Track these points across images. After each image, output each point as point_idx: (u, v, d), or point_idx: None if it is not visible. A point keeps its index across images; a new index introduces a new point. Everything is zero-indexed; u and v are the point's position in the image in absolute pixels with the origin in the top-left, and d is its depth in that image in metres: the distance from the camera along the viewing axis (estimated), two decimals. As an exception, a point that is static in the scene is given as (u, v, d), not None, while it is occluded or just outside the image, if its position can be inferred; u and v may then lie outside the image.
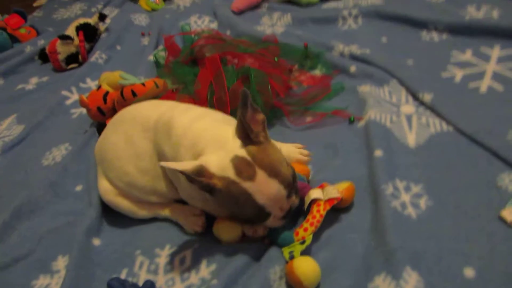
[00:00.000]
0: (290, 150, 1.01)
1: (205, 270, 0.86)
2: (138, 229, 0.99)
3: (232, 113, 1.13)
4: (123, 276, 0.88)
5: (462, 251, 0.77)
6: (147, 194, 0.98)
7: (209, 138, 0.82)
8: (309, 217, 0.83)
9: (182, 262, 0.88)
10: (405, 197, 0.89)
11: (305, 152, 1.01)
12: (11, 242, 1.02)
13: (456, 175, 0.92)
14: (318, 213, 0.83)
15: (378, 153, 0.97)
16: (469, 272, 0.73)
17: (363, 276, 0.76)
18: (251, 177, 0.75)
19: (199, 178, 0.74)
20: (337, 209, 0.87)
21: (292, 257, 0.78)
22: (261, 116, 0.80)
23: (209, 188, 0.76)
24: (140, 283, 0.83)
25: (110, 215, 1.04)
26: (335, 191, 0.84)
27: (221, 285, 0.78)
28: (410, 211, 0.86)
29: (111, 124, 1.06)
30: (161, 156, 0.92)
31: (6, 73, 1.90)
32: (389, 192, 0.88)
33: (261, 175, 0.75)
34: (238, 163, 0.76)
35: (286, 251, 0.80)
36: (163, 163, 0.75)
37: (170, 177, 0.94)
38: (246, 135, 0.78)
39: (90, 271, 0.90)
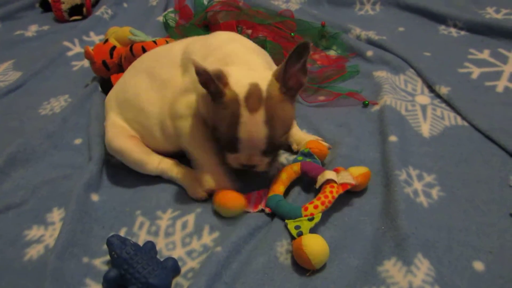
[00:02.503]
0: (307, 136, 0.99)
1: (207, 237, 0.83)
2: (139, 189, 0.96)
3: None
4: (122, 234, 0.85)
5: (472, 244, 0.76)
6: (157, 138, 0.95)
7: (244, 58, 0.84)
8: (321, 195, 0.81)
9: (184, 227, 0.86)
10: (418, 185, 0.87)
11: (324, 143, 0.98)
12: (3, 189, 0.98)
13: (469, 169, 0.91)
14: (330, 194, 0.80)
15: (393, 138, 0.95)
16: (478, 266, 0.72)
17: (371, 258, 0.75)
18: (252, 109, 0.74)
19: (216, 80, 0.74)
20: (349, 192, 0.85)
21: (300, 234, 0.76)
22: (304, 80, 0.79)
23: (217, 93, 0.76)
24: (140, 244, 0.80)
25: (110, 172, 1.00)
26: (350, 177, 0.82)
27: (226, 252, 0.75)
28: (422, 199, 0.85)
29: (131, 69, 1.04)
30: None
31: (3, 17, 1.83)
32: (402, 178, 0.86)
33: (260, 115, 0.74)
34: (253, 91, 0.75)
35: (291, 224, 0.78)
36: (194, 59, 0.73)
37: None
38: (281, 80, 0.77)
39: (87, 226, 0.86)
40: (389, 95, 1.10)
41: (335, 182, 0.82)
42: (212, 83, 0.75)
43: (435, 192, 0.86)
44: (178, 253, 0.81)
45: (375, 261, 0.74)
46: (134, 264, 0.73)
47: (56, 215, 0.91)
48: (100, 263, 0.81)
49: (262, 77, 0.78)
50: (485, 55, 1.27)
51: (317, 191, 0.84)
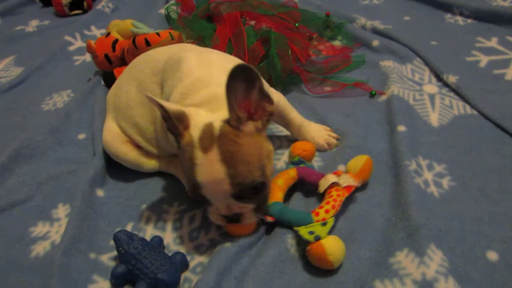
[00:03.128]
0: (318, 130, 0.96)
1: (214, 232, 0.82)
2: (144, 184, 0.95)
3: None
4: (128, 229, 0.84)
5: (485, 234, 0.74)
6: (153, 147, 0.93)
7: (208, 94, 0.75)
8: (330, 199, 0.78)
9: (191, 221, 0.84)
10: (428, 176, 0.86)
11: (334, 135, 0.97)
12: (8, 186, 0.97)
13: (479, 158, 0.89)
14: (338, 198, 0.78)
15: (401, 128, 0.94)
16: (492, 255, 0.71)
17: (383, 250, 0.73)
18: (205, 149, 0.67)
19: (176, 122, 0.70)
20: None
21: (318, 238, 0.72)
22: (270, 107, 0.71)
23: (176, 135, 0.72)
24: (148, 238, 0.79)
25: (114, 167, 0.99)
26: (352, 179, 0.80)
27: (236, 248, 0.74)
28: (433, 189, 0.83)
29: (126, 70, 1.01)
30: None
31: (4, 13, 1.82)
32: (412, 168, 0.85)
33: (214, 154, 0.67)
34: (206, 131, 0.69)
35: (304, 230, 0.74)
36: (148, 95, 0.69)
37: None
38: (229, 115, 0.68)
39: (93, 222, 0.85)
40: (396, 84, 1.08)
41: (338, 185, 0.80)
42: (171, 122, 0.72)
43: (446, 182, 0.85)
44: (186, 247, 0.80)
45: (387, 253, 0.73)
46: (142, 259, 0.71)
47: (62, 211, 0.90)
48: (107, 258, 0.79)
49: (219, 114, 0.71)
50: (493, 43, 1.25)
51: (320, 196, 0.82)
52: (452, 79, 1.09)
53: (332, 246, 0.70)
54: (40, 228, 0.87)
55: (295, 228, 0.75)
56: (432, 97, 1.07)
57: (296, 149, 0.89)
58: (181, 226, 0.84)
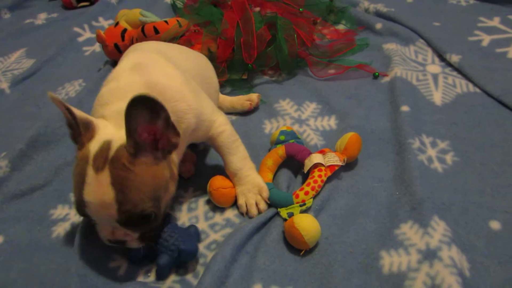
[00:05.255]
0: (249, 189, 0.84)
1: (230, 212, 0.85)
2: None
3: (258, 57, 1.11)
4: (144, 210, 0.87)
5: (488, 205, 0.77)
6: None
7: (121, 108, 0.62)
8: (311, 181, 0.81)
9: (207, 203, 0.88)
10: (432, 152, 0.89)
11: (263, 203, 0.83)
12: (27, 172, 1.00)
13: (482, 134, 0.92)
14: (319, 178, 0.81)
15: (405, 108, 0.96)
16: (495, 225, 0.74)
17: (388, 222, 0.77)
18: (98, 169, 0.63)
19: (82, 131, 0.66)
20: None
21: (291, 214, 0.78)
22: (176, 140, 0.68)
23: (77, 143, 0.68)
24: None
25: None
26: (337, 158, 0.84)
27: (253, 227, 0.78)
28: (437, 165, 0.86)
29: None
30: None
31: (12, 7, 1.85)
32: (415, 146, 0.88)
33: (105, 175, 0.62)
34: (103, 149, 0.64)
35: (284, 211, 0.80)
36: (53, 96, 0.65)
37: None
38: (127, 141, 0.63)
39: (110, 203, 0.89)
40: (399, 66, 1.10)
41: (322, 165, 0.83)
42: (76, 130, 0.67)
43: (449, 158, 0.88)
44: (201, 226, 0.83)
45: (391, 225, 0.76)
46: (160, 234, 0.74)
47: (80, 194, 0.94)
48: (126, 237, 0.83)
49: (123, 133, 0.64)
50: (495, 22, 1.27)
51: (305, 175, 0.85)
52: (455, 58, 1.11)
53: (301, 219, 0.73)
54: (59, 211, 0.91)
55: (278, 209, 0.81)
56: (435, 76, 1.09)
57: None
58: (197, 207, 0.87)
